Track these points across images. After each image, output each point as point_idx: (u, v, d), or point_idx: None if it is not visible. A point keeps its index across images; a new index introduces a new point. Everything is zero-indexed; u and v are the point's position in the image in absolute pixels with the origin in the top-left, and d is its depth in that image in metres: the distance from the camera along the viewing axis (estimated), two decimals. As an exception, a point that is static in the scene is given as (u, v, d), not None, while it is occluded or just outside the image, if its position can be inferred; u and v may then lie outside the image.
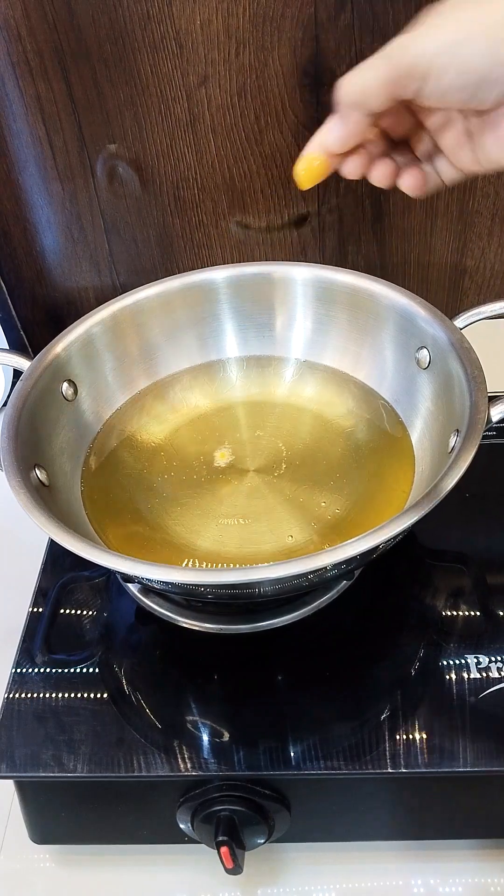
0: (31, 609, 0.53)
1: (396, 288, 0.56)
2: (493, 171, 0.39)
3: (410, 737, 0.44)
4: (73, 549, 0.41)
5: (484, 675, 0.47)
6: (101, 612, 0.53)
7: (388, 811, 0.48)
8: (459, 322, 0.54)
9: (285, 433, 0.57)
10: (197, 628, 0.49)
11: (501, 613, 0.50)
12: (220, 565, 0.49)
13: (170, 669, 0.50)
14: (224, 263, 0.61)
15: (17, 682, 0.49)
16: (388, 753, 0.44)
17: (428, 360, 0.54)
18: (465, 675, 0.47)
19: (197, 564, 0.49)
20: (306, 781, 0.45)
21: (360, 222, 0.75)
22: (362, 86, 0.36)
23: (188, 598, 0.50)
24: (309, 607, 0.49)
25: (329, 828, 0.49)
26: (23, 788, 0.47)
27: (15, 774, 0.45)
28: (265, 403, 0.60)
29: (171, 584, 0.43)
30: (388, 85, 0.36)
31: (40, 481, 0.49)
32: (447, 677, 0.47)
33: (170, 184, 0.72)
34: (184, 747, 0.45)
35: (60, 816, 0.49)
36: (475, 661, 0.48)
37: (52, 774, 0.45)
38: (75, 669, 0.49)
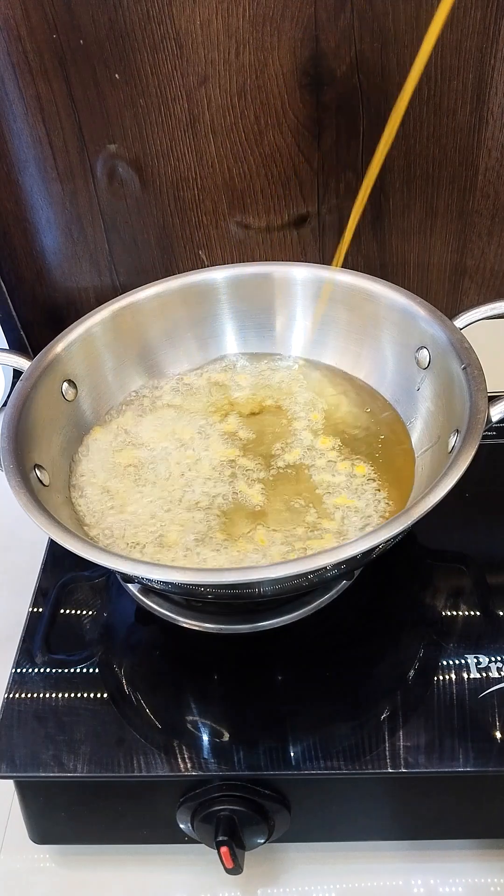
0: (31, 609, 0.53)
1: (396, 288, 0.56)
2: None
3: (410, 737, 0.44)
4: (73, 549, 0.41)
5: (484, 675, 0.47)
6: (101, 612, 0.53)
7: (388, 811, 0.48)
8: (459, 322, 0.54)
9: (286, 432, 0.57)
10: (197, 628, 0.49)
11: (501, 613, 0.50)
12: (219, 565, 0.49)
13: (170, 669, 0.50)
14: (224, 263, 0.61)
15: (17, 682, 0.49)
16: (388, 753, 0.44)
17: (428, 360, 0.54)
18: (465, 675, 0.47)
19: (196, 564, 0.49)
20: (306, 781, 0.45)
21: (360, 222, 0.75)
22: None
23: (188, 598, 0.50)
24: (309, 607, 0.49)
25: (329, 828, 0.49)
26: (23, 788, 0.47)
27: (15, 774, 0.45)
28: (265, 403, 0.60)
29: (171, 584, 0.43)
30: None
31: (40, 481, 0.49)
32: (447, 677, 0.47)
33: (170, 184, 0.72)
34: (184, 747, 0.45)
35: (60, 816, 0.49)
36: (475, 661, 0.48)
37: (52, 774, 0.45)
38: (75, 669, 0.49)
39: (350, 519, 0.50)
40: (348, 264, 0.57)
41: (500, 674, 0.47)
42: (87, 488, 0.53)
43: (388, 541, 0.40)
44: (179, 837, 0.47)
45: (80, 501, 0.52)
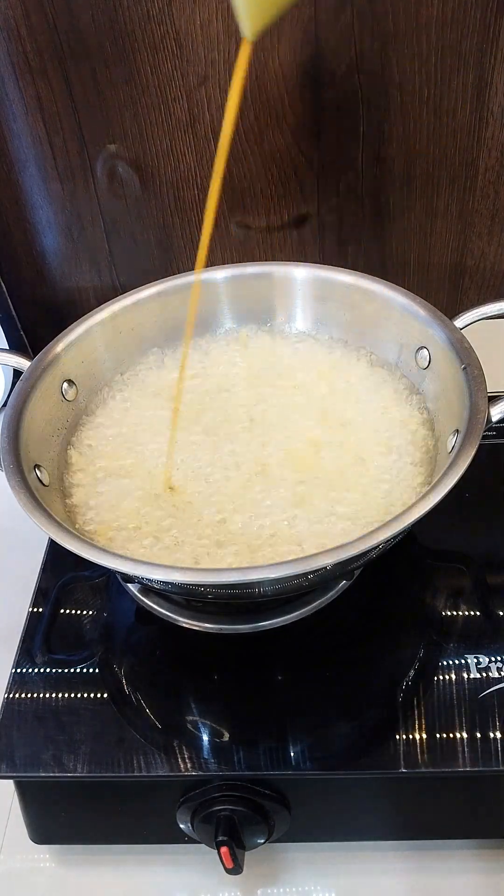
0: (31, 609, 0.54)
1: (396, 288, 0.56)
2: None
3: (410, 737, 0.44)
4: (73, 549, 0.41)
5: (484, 675, 0.47)
6: (101, 612, 0.53)
7: (388, 811, 0.48)
8: (459, 322, 0.54)
9: (285, 431, 0.57)
10: (197, 628, 0.49)
11: (501, 613, 0.50)
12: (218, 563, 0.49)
13: (170, 669, 0.50)
14: (224, 263, 0.61)
15: (17, 682, 0.49)
16: (387, 753, 0.44)
17: (428, 360, 0.54)
18: (465, 675, 0.47)
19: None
20: (306, 781, 0.45)
21: (360, 222, 0.75)
22: None
23: (188, 598, 0.50)
24: (309, 607, 0.49)
25: (329, 828, 0.49)
26: (23, 788, 0.47)
27: (15, 774, 0.45)
28: (266, 402, 0.60)
29: (171, 584, 0.43)
30: None
31: (40, 481, 0.49)
32: (447, 677, 0.47)
33: (170, 184, 0.72)
34: (184, 747, 0.45)
35: (60, 816, 0.49)
36: (475, 661, 0.48)
37: (52, 774, 0.45)
38: (75, 669, 0.49)
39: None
40: (349, 264, 0.57)
41: (500, 674, 0.47)
42: (86, 486, 0.53)
43: (388, 541, 0.40)
44: (179, 837, 0.47)
45: (79, 499, 0.52)
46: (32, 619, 0.53)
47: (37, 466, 0.49)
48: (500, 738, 0.44)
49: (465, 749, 0.44)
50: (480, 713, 0.45)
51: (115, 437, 0.56)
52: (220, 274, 0.61)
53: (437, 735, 0.44)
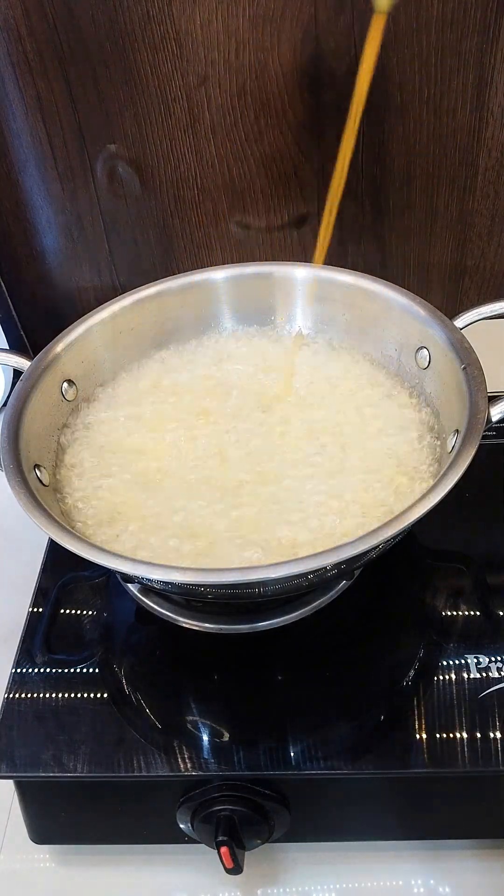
0: (31, 609, 0.54)
1: (396, 288, 0.56)
2: None
3: (410, 737, 0.44)
4: (73, 549, 0.41)
5: (484, 675, 0.47)
6: (101, 612, 0.53)
7: (387, 811, 0.48)
8: (459, 322, 0.54)
9: (284, 432, 0.57)
10: (197, 628, 0.49)
11: (501, 613, 0.50)
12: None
13: (170, 669, 0.50)
14: (224, 263, 0.61)
15: (17, 682, 0.49)
16: (388, 753, 0.44)
17: (428, 360, 0.54)
18: (465, 675, 0.47)
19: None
20: (306, 781, 0.45)
21: (360, 222, 0.75)
22: None
23: (188, 598, 0.50)
24: (309, 607, 0.49)
25: (329, 828, 0.49)
26: (23, 788, 0.47)
27: (15, 774, 0.45)
28: (265, 402, 0.60)
29: (171, 584, 0.43)
30: None
31: (40, 481, 0.49)
32: (447, 677, 0.47)
33: (170, 184, 0.72)
34: (184, 747, 0.45)
35: (60, 816, 0.49)
36: (475, 661, 0.48)
37: (52, 774, 0.45)
38: (75, 669, 0.49)
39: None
40: (349, 264, 0.57)
41: (500, 674, 0.47)
42: (86, 485, 0.53)
43: (388, 541, 0.40)
44: (179, 837, 0.47)
45: (79, 499, 0.52)
46: (32, 619, 0.53)
47: (37, 466, 0.49)
48: (500, 738, 0.44)
49: (465, 749, 0.44)
50: (480, 713, 0.45)
51: (114, 437, 0.56)
52: (220, 274, 0.61)
53: (437, 735, 0.44)
